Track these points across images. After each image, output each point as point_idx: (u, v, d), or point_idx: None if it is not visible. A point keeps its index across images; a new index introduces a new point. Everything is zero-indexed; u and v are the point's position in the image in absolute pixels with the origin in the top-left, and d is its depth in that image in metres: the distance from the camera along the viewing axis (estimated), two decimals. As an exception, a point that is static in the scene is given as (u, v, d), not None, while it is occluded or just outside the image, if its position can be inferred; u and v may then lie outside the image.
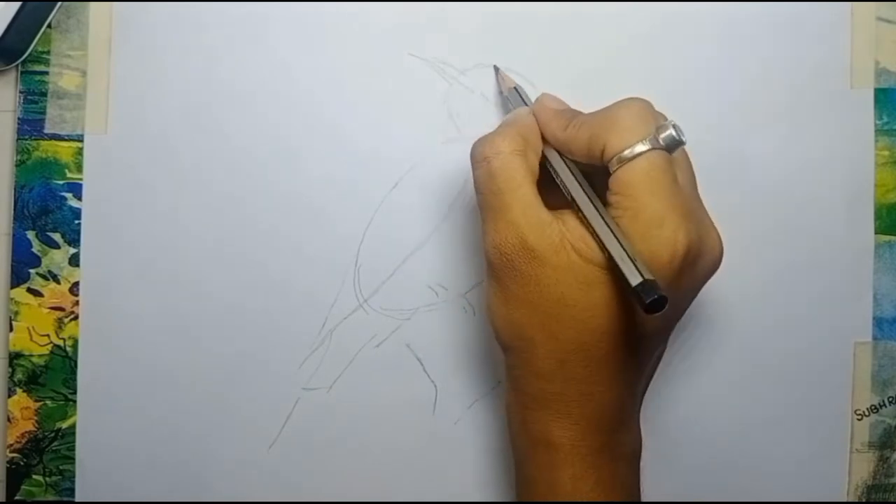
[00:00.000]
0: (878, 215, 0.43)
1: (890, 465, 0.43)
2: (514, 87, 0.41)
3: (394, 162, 0.42)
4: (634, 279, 0.31)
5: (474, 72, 0.42)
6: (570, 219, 0.35)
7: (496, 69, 0.42)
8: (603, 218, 0.34)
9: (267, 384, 0.42)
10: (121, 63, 0.42)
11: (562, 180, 0.36)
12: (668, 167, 0.34)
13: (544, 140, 0.37)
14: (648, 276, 0.31)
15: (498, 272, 0.35)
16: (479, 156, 0.36)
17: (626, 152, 0.34)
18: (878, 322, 0.43)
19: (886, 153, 0.43)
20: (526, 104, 0.39)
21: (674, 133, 0.34)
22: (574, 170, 0.36)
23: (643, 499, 0.40)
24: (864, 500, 0.43)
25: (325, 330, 0.42)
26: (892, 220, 0.43)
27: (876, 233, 0.43)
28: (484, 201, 0.36)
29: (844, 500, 0.43)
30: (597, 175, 0.35)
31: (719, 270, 0.42)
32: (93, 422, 0.42)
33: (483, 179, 0.36)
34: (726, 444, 0.43)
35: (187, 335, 0.42)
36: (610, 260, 0.33)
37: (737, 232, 0.42)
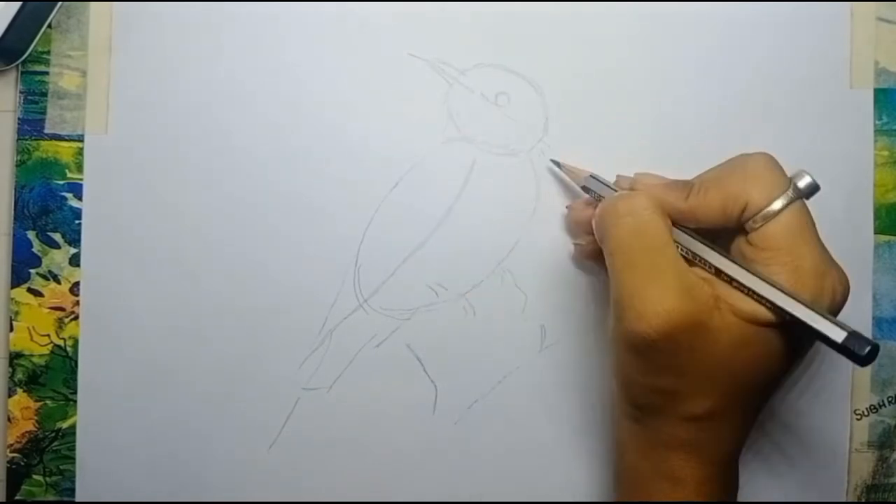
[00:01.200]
0: (878, 215, 0.43)
1: (889, 465, 0.43)
2: (591, 175, 0.39)
3: (394, 162, 0.42)
4: (839, 335, 0.31)
5: (474, 72, 0.42)
6: (716, 282, 0.34)
7: (556, 164, 0.40)
8: (767, 280, 0.33)
9: (267, 384, 0.42)
10: (121, 63, 0.42)
11: (692, 252, 0.35)
12: (810, 219, 0.34)
13: None
14: (851, 329, 0.31)
15: (647, 350, 0.33)
16: (622, 210, 0.34)
17: (771, 208, 0.33)
18: (878, 322, 0.43)
19: (886, 153, 0.43)
20: (608, 186, 0.38)
21: (811, 180, 0.34)
22: (702, 239, 0.35)
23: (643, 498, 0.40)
24: (863, 500, 0.43)
25: (325, 330, 0.42)
26: (892, 220, 0.43)
27: (875, 233, 0.43)
28: (631, 262, 0.33)
29: (844, 500, 0.43)
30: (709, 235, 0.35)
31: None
32: (93, 422, 0.42)
33: (629, 236, 0.33)
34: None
35: (187, 335, 0.42)
36: (779, 315, 0.32)
37: (737, 232, 0.42)
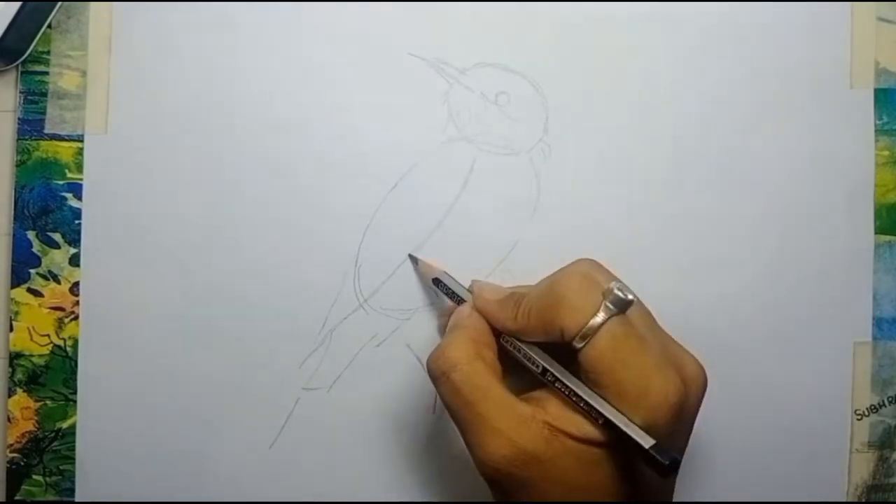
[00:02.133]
0: (878, 215, 0.43)
1: (890, 465, 0.43)
2: (437, 278, 0.40)
3: (394, 162, 0.42)
4: (642, 450, 0.32)
5: (474, 71, 0.42)
6: (552, 406, 0.34)
7: (413, 259, 0.41)
8: (592, 405, 0.33)
9: (267, 384, 0.42)
10: (121, 63, 0.42)
11: (536, 373, 0.35)
12: (630, 332, 0.34)
13: (495, 331, 0.37)
14: (652, 443, 0.32)
15: (497, 484, 0.34)
16: (437, 372, 0.35)
17: (585, 330, 0.33)
18: (878, 322, 0.43)
19: (886, 153, 0.43)
20: (455, 292, 0.39)
21: (621, 295, 0.33)
22: (542, 356, 0.35)
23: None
24: (864, 500, 0.43)
25: (325, 330, 0.42)
26: (892, 220, 0.43)
27: (876, 233, 0.43)
28: (458, 416, 0.35)
29: (844, 500, 0.43)
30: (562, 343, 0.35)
31: (717, 267, 0.42)
32: (93, 422, 0.42)
33: (449, 395, 0.35)
34: (726, 444, 0.43)
35: (187, 335, 0.42)
36: (608, 433, 0.33)
37: (737, 232, 0.42)
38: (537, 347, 0.36)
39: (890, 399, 0.43)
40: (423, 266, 0.41)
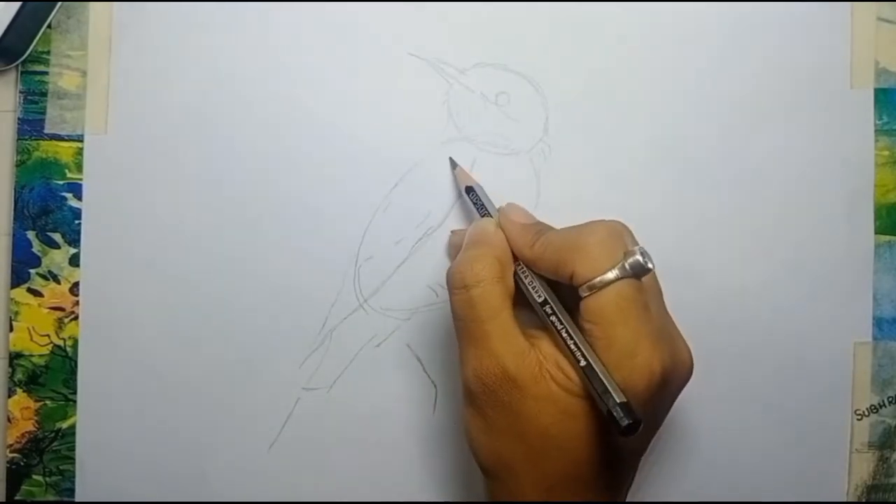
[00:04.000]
0: (878, 215, 0.43)
1: (890, 465, 0.43)
2: (472, 186, 0.40)
3: (394, 162, 0.42)
4: (610, 402, 0.32)
5: (474, 71, 0.42)
6: (545, 345, 0.35)
7: (452, 163, 0.41)
8: (579, 346, 0.34)
9: (267, 384, 0.42)
10: (121, 63, 0.42)
11: (536, 304, 0.36)
12: (637, 296, 0.34)
13: (514, 257, 0.37)
14: (622, 399, 0.32)
15: (478, 400, 0.35)
16: (459, 282, 0.35)
17: (596, 281, 0.33)
18: (878, 322, 0.43)
19: (886, 153, 0.43)
20: (483, 204, 0.39)
21: (641, 260, 0.34)
22: (546, 291, 0.36)
23: (645, 498, 0.40)
24: (864, 500, 0.43)
25: (325, 330, 0.42)
26: (892, 220, 0.43)
27: (876, 233, 0.43)
28: (463, 328, 0.35)
29: (844, 500, 0.43)
30: (569, 288, 0.35)
31: (718, 268, 0.42)
32: (93, 422, 0.42)
33: (462, 307, 0.35)
34: (726, 444, 0.43)
35: (187, 335, 0.42)
36: (587, 384, 0.33)
37: (737, 232, 0.42)
38: (544, 281, 0.36)
39: (890, 399, 0.43)
40: (460, 172, 0.41)
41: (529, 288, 0.36)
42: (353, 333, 0.42)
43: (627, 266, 0.34)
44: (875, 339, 0.43)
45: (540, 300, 0.35)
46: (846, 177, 0.42)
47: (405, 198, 0.42)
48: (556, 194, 0.42)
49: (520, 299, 0.36)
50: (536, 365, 0.34)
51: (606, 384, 0.32)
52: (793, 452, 0.43)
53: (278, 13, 0.42)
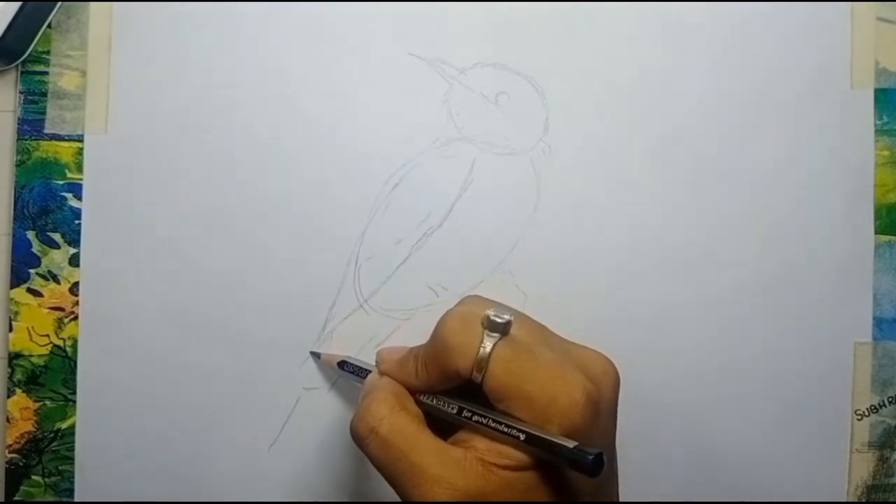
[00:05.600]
0: (878, 215, 0.43)
1: (890, 465, 0.43)
2: (342, 361, 0.41)
3: (394, 162, 0.42)
4: (565, 453, 0.32)
5: (474, 72, 0.42)
6: (478, 442, 0.34)
7: (315, 355, 0.42)
8: (511, 425, 0.33)
9: (267, 384, 0.42)
10: (121, 63, 0.42)
11: (452, 417, 0.35)
12: (518, 349, 0.34)
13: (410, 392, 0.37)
14: (573, 444, 0.32)
15: None
16: (364, 430, 0.35)
17: (478, 361, 0.34)
18: (878, 322, 0.43)
19: (886, 153, 0.43)
20: (360, 367, 0.40)
21: (497, 319, 0.34)
22: (455, 399, 0.35)
23: (644, 498, 0.40)
24: (864, 500, 0.43)
25: (326, 330, 0.42)
26: (892, 220, 0.43)
27: (876, 233, 0.43)
28: (393, 471, 0.34)
29: (844, 500, 0.43)
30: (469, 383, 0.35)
31: (718, 268, 0.42)
32: (93, 422, 0.42)
33: (379, 452, 0.34)
34: (726, 444, 0.43)
35: (187, 335, 0.42)
36: (535, 452, 0.33)
37: (737, 232, 0.42)
38: (446, 393, 0.36)
39: (890, 399, 0.43)
40: (325, 357, 0.42)
41: (438, 406, 0.36)
42: (353, 333, 0.42)
43: (491, 332, 0.34)
44: (875, 339, 0.43)
45: (454, 411, 0.35)
46: (846, 177, 0.42)
47: (405, 198, 0.42)
48: (556, 194, 0.42)
49: (430, 422, 0.36)
50: (479, 465, 0.33)
51: (552, 440, 0.32)
52: (793, 452, 0.43)
53: (278, 13, 0.42)
